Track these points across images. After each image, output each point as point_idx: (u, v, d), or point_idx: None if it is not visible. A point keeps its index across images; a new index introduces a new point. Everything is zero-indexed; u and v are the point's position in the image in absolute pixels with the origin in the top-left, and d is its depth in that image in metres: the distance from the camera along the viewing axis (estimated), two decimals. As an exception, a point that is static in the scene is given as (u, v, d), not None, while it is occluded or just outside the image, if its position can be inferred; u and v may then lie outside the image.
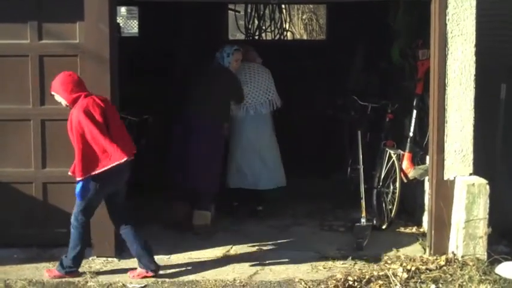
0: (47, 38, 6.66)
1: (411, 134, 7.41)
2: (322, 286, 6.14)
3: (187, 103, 7.73)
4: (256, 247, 7.01)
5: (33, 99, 6.70)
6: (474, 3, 6.49)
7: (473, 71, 6.55)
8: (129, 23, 17.45)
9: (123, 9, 17.39)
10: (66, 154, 6.68)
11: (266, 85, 8.11)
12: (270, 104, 8.11)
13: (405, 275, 6.21)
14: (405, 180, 7.41)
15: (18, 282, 6.20)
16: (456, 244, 6.54)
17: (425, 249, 6.86)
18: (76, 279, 6.23)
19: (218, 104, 7.70)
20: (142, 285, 6.19)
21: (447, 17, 6.52)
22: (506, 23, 8.07)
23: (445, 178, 6.66)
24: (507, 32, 8.09)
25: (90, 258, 6.63)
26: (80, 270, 6.36)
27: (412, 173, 7.34)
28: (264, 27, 12.16)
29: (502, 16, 8.15)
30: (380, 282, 6.11)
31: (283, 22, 12.64)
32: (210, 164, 7.62)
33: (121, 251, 6.78)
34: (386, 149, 7.66)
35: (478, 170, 6.69)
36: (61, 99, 6.08)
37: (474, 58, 6.54)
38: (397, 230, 7.52)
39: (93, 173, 5.95)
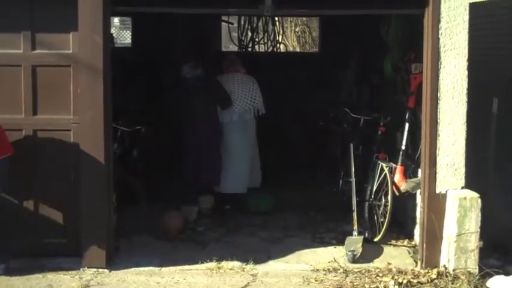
0: (40, 48, 6.65)
1: (403, 147, 7.42)
2: (314, 299, 6.14)
3: (189, 113, 8.40)
4: (248, 259, 6.98)
5: (26, 109, 6.68)
6: (467, 18, 6.52)
7: (465, 85, 6.57)
8: (122, 34, 17.49)
9: (116, 20, 17.43)
10: (57, 166, 6.69)
11: (251, 93, 8.63)
12: (255, 110, 8.68)
13: (397, 288, 6.22)
14: (397, 193, 7.41)
15: (8, 293, 6.18)
16: (448, 257, 6.54)
17: (416, 262, 6.86)
18: (66, 290, 6.22)
19: (214, 108, 8.55)
20: (133, 296, 6.17)
21: (440, 31, 6.55)
22: (499, 36, 8.13)
23: (437, 191, 6.67)
24: (499, 46, 8.15)
25: (81, 269, 6.60)
26: (71, 280, 6.33)
27: (404, 186, 7.34)
28: (257, 39, 12.19)
29: (494, 30, 8.21)
30: (372, 295, 6.12)
31: (276, 34, 12.69)
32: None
33: (112, 262, 6.76)
34: (379, 161, 7.66)
35: (469, 184, 6.70)
36: None
37: (466, 72, 6.56)
38: (389, 242, 7.51)
39: None
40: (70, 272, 6.52)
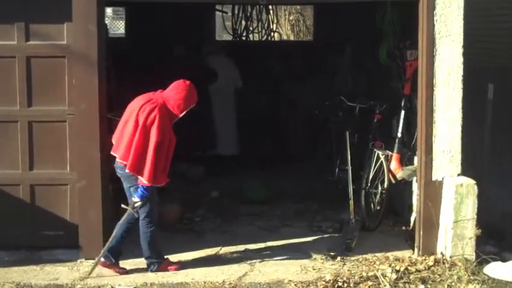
0: (34, 39, 6.61)
1: (399, 135, 7.43)
2: (312, 287, 6.13)
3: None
4: (245, 248, 6.99)
5: (21, 100, 6.64)
6: (462, 4, 6.51)
7: (461, 72, 6.56)
8: (115, 24, 17.40)
9: (108, 10, 17.32)
10: (54, 156, 6.67)
11: (230, 71, 10.08)
12: (234, 85, 10.13)
13: (394, 276, 6.22)
14: (393, 181, 7.42)
15: (6, 285, 6.14)
16: (445, 244, 6.56)
17: (413, 250, 6.87)
18: (64, 282, 6.18)
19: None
20: (132, 287, 6.15)
21: (435, 18, 6.53)
22: (493, 23, 8.11)
23: (433, 179, 6.67)
24: (494, 33, 8.13)
25: (79, 261, 6.59)
26: (69, 272, 6.34)
27: (400, 173, 7.35)
28: (251, 28, 12.16)
29: (489, 17, 8.19)
30: (369, 283, 6.11)
31: (271, 23, 12.65)
32: None
33: (109, 253, 6.75)
34: (375, 149, 7.65)
35: (466, 171, 6.70)
36: None
37: (462, 59, 6.55)
38: (386, 230, 7.52)
39: None
40: (68, 264, 6.50)
